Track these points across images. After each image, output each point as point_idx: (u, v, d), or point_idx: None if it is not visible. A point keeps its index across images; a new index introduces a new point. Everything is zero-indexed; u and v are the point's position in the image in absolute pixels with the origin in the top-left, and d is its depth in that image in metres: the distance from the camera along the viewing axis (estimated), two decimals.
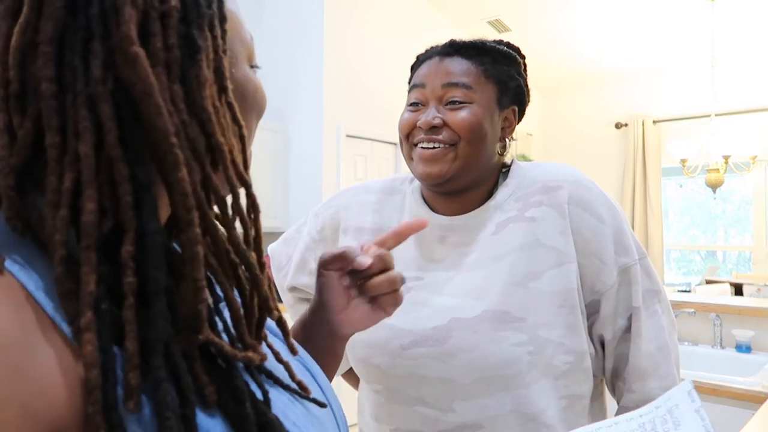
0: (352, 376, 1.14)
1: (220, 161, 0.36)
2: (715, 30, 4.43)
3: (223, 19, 0.38)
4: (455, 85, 0.85)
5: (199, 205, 0.34)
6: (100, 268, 0.31)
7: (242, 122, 0.39)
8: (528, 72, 0.96)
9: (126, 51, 0.31)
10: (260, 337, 0.40)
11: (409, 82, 0.93)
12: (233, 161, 0.37)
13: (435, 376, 0.85)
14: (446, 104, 0.86)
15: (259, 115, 0.45)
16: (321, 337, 0.64)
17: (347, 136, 4.02)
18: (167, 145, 0.32)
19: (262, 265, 0.40)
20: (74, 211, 0.31)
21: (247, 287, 0.39)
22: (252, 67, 0.45)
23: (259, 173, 3.86)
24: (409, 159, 0.90)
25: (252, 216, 0.40)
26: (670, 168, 5.73)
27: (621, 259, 0.86)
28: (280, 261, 1.12)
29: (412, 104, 0.90)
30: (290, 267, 1.08)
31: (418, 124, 0.86)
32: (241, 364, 0.38)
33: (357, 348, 0.94)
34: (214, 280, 0.38)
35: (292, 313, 1.15)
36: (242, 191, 0.39)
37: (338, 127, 3.95)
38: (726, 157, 4.26)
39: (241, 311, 0.38)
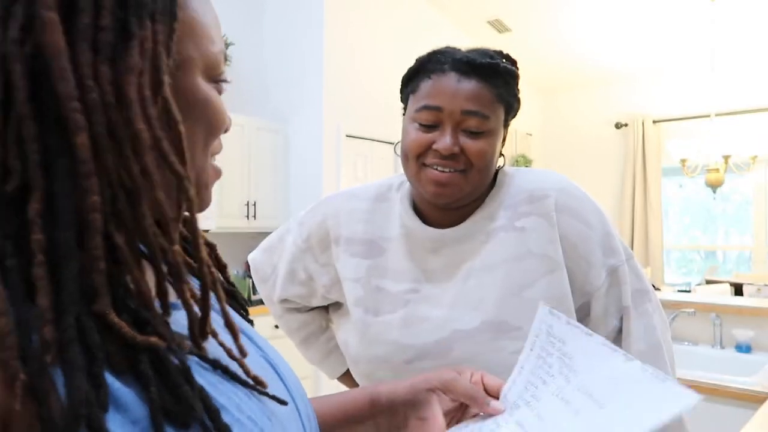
0: (348, 379, 1.14)
1: (139, 147, 0.35)
2: (715, 30, 4.43)
3: (170, 16, 0.38)
4: (475, 113, 0.83)
5: (101, 174, 0.34)
6: (6, 225, 0.31)
7: (178, 117, 0.38)
8: (528, 72, 0.96)
9: (41, 15, 0.32)
10: (204, 333, 0.39)
11: (413, 91, 0.89)
12: (161, 150, 0.36)
13: None
14: (462, 129, 0.84)
15: (211, 132, 0.43)
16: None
17: (347, 136, 4.02)
18: (68, 110, 0.32)
19: (200, 260, 0.39)
20: None
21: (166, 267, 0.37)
22: (217, 82, 0.44)
23: (259, 173, 3.87)
24: (417, 179, 0.87)
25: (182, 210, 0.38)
26: (670, 168, 5.73)
27: (609, 261, 0.88)
28: (264, 272, 1.10)
29: (425, 124, 0.86)
30: (277, 278, 1.07)
31: (436, 147, 0.84)
32: (197, 361, 0.38)
33: (361, 364, 0.94)
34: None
35: (281, 324, 1.14)
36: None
37: (338, 127, 3.95)
38: (726, 157, 4.26)
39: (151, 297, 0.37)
